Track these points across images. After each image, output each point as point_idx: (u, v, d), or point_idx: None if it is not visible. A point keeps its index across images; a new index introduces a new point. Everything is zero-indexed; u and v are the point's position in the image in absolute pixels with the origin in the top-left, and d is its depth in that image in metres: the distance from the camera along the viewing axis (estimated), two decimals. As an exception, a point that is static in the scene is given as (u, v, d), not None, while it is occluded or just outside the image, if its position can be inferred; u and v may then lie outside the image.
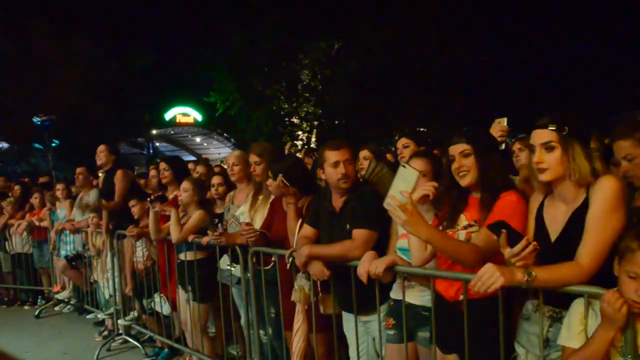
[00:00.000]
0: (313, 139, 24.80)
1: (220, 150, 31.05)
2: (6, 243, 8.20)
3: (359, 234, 3.01)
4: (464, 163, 2.53)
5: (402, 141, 3.85)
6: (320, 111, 24.75)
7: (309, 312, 3.37)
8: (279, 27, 21.82)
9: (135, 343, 5.74)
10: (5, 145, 23.72)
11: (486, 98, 21.89)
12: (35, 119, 9.40)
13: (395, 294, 3.02)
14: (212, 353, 4.61)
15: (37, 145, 12.12)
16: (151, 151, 28.49)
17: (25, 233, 7.90)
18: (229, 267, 4.15)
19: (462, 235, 2.52)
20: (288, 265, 3.33)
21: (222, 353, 4.68)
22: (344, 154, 3.16)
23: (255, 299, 3.84)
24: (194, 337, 4.64)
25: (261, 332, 3.98)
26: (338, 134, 21.51)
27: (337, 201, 3.23)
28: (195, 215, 4.43)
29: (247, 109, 23.20)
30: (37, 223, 7.76)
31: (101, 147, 6.10)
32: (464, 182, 2.54)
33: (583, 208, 2.17)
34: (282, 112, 24.46)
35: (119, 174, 5.83)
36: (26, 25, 20.33)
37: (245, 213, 3.95)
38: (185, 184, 4.52)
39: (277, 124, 24.01)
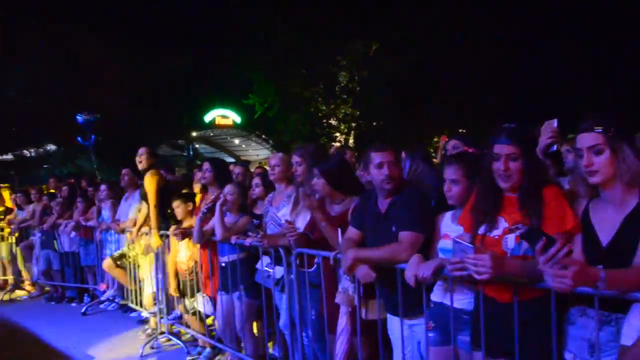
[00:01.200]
0: (351, 141, 24.79)
1: (258, 152, 31.29)
2: (55, 242, 8.45)
3: (406, 236, 2.98)
4: (510, 166, 2.47)
5: (452, 142, 3.79)
6: (357, 112, 24.74)
7: (352, 315, 3.35)
8: (317, 30, 21.91)
9: (178, 342, 5.82)
10: (52, 147, 24.51)
11: (527, 98, 21.38)
12: (79, 117, 9.72)
13: (434, 296, 2.97)
14: (253, 353, 4.63)
15: (78, 139, 12.59)
16: (191, 153, 28.94)
17: (72, 232, 8.12)
18: (266, 269, 4.16)
19: (511, 240, 2.45)
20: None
21: (263, 354, 4.70)
22: (388, 155, 3.15)
23: (298, 301, 3.84)
24: (236, 337, 4.68)
25: (303, 334, 3.98)
26: (376, 136, 21.45)
27: (383, 203, 3.20)
28: (242, 221, 4.48)
29: (285, 111, 23.37)
30: (83, 223, 7.98)
31: (142, 150, 6.16)
32: (507, 184, 2.49)
33: (638, 212, 2.12)
34: (319, 114, 24.55)
35: (146, 179, 5.87)
36: (71, 32, 20.95)
37: (287, 215, 3.96)
38: (230, 188, 4.56)
39: (315, 125, 24.11)
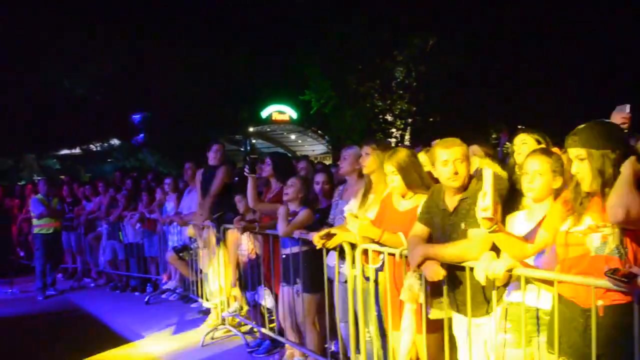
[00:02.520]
0: (407, 137, 24.52)
1: (314, 148, 31.47)
2: (120, 233, 8.75)
3: (476, 234, 2.90)
4: (579, 169, 2.40)
5: (521, 137, 3.66)
6: (414, 108, 24.43)
7: (417, 313, 3.30)
8: (373, 24, 21.77)
9: (238, 333, 5.91)
10: (116, 142, 25.46)
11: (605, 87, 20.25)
12: (134, 117, 10.11)
13: (512, 296, 2.88)
14: (314, 347, 4.64)
15: (138, 139, 13.12)
16: (248, 148, 29.40)
17: (137, 224, 8.40)
18: (335, 265, 4.14)
19: (596, 239, 2.35)
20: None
21: (323, 348, 4.71)
22: (455, 152, 3.08)
23: (362, 297, 3.81)
24: (297, 330, 4.70)
25: (360, 329, 3.96)
26: (432, 132, 21.14)
27: (451, 200, 3.13)
28: (304, 213, 4.48)
29: (341, 107, 23.33)
30: (147, 215, 8.23)
31: (216, 146, 6.32)
32: (583, 187, 2.42)
33: None
34: (375, 110, 24.38)
35: (223, 170, 6.00)
36: (136, 31, 21.68)
37: (354, 209, 3.93)
38: (293, 181, 4.58)
39: (371, 121, 23.96)
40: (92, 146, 25.53)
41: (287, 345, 5.20)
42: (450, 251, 2.98)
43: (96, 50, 21.43)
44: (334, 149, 26.99)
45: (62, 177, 16.26)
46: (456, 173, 3.05)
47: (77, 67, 21.48)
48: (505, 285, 2.88)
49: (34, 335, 6.77)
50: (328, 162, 19.75)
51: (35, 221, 8.80)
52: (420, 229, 3.25)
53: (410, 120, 24.90)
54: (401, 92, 24.40)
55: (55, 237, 9.00)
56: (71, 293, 8.97)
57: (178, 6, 23.04)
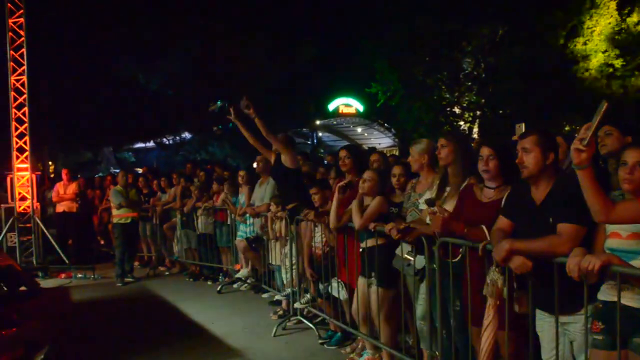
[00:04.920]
0: (475, 129, 23.97)
1: (380, 141, 31.38)
2: (193, 223, 9.02)
3: (566, 228, 2.78)
4: None
5: (605, 128, 3.48)
6: (483, 100, 23.84)
7: (500, 308, 3.20)
8: (441, 14, 21.36)
9: (309, 324, 5.95)
10: (188, 135, 26.27)
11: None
12: (213, 105, 10.32)
13: (605, 295, 2.73)
14: (387, 341, 4.60)
15: (219, 127, 13.44)
16: (315, 141, 29.66)
17: (209, 215, 8.62)
18: (407, 257, 4.09)
19: None
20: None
21: (396, 342, 4.66)
22: (525, 142, 2.99)
23: (439, 292, 3.74)
24: (370, 323, 4.68)
25: (436, 325, 3.89)
26: (502, 124, 20.55)
27: (538, 193, 3.00)
28: (376, 201, 4.44)
29: (407, 99, 23.07)
30: (219, 206, 8.42)
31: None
32: None
33: None
34: (443, 102, 23.97)
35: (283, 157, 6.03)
36: (208, 26, 22.24)
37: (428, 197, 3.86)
38: (369, 174, 4.54)
39: (438, 114, 23.58)
40: (164, 139, 26.47)
41: (358, 338, 5.20)
42: (538, 245, 2.86)
43: (169, 46, 22.14)
44: (400, 141, 26.77)
45: (138, 169, 16.96)
46: (520, 163, 2.97)
47: (151, 63, 22.30)
48: (598, 282, 2.73)
49: (113, 319, 7.08)
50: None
51: (114, 211, 9.19)
52: (504, 223, 3.15)
53: (478, 112, 24.32)
54: (469, 83, 23.87)
55: (133, 226, 9.37)
56: (147, 281, 9.31)
57: (248, 2, 23.45)
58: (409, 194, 4.37)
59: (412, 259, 4.04)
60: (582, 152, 2.46)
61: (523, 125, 5.21)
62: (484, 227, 3.24)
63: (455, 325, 3.69)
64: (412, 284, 4.24)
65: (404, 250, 4.12)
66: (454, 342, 3.79)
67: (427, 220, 3.58)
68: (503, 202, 3.26)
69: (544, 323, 3.11)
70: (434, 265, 3.73)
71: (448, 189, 3.81)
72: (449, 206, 3.59)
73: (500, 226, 3.15)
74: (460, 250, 3.51)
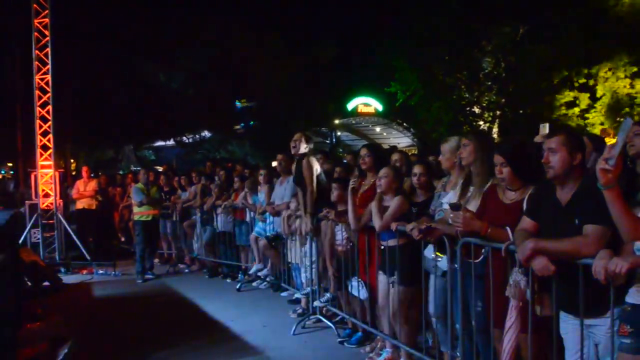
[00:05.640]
0: (495, 130, 23.74)
1: (399, 140, 31.28)
2: (213, 221, 9.09)
3: (592, 230, 2.74)
4: None
5: (634, 129, 3.43)
6: (503, 100, 23.60)
7: (522, 310, 3.17)
8: (461, 13, 21.19)
9: (329, 323, 5.95)
10: (207, 134, 26.46)
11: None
12: (238, 103, 10.44)
13: (634, 298, 2.69)
14: (407, 340, 4.59)
15: (241, 126, 13.58)
16: (334, 140, 29.69)
17: (228, 213, 8.68)
18: (433, 258, 4.07)
19: None
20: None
21: (416, 341, 4.64)
22: (552, 142, 2.95)
23: (461, 292, 3.72)
24: (391, 323, 4.67)
25: (457, 326, 3.88)
26: (523, 124, 20.33)
27: (564, 193, 2.97)
28: (396, 202, 4.43)
29: (427, 99, 22.94)
30: (238, 204, 8.47)
31: (296, 136, 6.22)
32: None
33: None
34: (462, 102, 23.77)
35: (304, 163, 6.02)
36: (225, 26, 22.38)
37: (453, 201, 3.83)
38: (384, 171, 4.53)
39: (458, 113, 23.39)
40: (184, 138, 26.69)
41: (377, 338, 5.19)
42: (563, 246, 2.83)
43: (189, 45, 22.32)
44: (419, 141, 26.65)
45: (158, 167, 17.14)
46: (546, 163, 2.94)
47: (172, 62, 22.51)
48: (625, 284, 2.70)
49: (133, 315, 7.16)
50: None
51: (135, 208, 9.29)
52: (528, 223, 3.12)
53: (498, 112, 24.09)
54: (489, 83, 23.64)
55: (154, 224, 9.47)
56: (167, 277, 9.40)
57: (267, 1, 23.57)
58: (438, 193, 4.35)
59: (440, 258, 4.01)
60: (609, 172, 2.43)
61: (547, 125, 5.16)
62: (508, 228, 3.21)
63: (476, 327, 3.67)
64: (434, 284, 4.22)
65: (431, 251, 4.10)
66: (475, 344, 3.77)
67: (449, 221, 3.55)
68: (525, 203, 3.24)
69: (568, 325, 3.07)
70: (456, 265, 3.71)
71: (472, 189, 3.78)
72: (472, 206, 3.57)
73: (524, 226, 3.12)
74: (482, 250, 3.49)
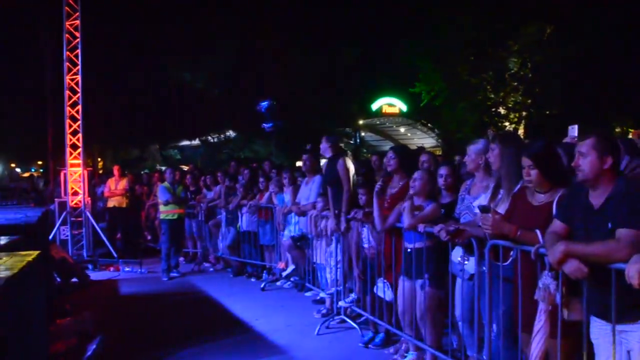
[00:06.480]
0: (521, 131, 23.47)
1: (423, 141, 31.09)
2: (238, 221, 9.15)
3: (625, 234, 2.70)
4: None
5: None
6: (529, 101, 23.34)
7: (552, 314, 3.13)
8: (487, 13, 21.00)
9: (353, 324, 5.95)
10: (232, 133, 26.63)
11: None
12: (261, 104, 10.54)
13: (667, 303, 2.65)
14: (433, 343, 4.57)
15: (266, 125, 13.67)
16: (358, 140, 29.65)
17: (254, 213, 8.73)
18: (459, 261, 4.05)
19: None
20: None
21: (441, 344, 4.62)
22: (582, 145, 2.92)
23: (489, 295, 3.69)
24: (415, 325, 4.65)
25: (485, 329, 3.84)
26: (550, 125, 20.07)
27: (596, 197, 2.93)
28: (431, 209, 4.43)
29: (452, 100, 22.80)
30: (263, 204, 8.51)
31: (323, 140, 6.27)
32: None
33: None
34: (488, 103, 23.57)
35: (340, 163, 6.04)
36: (252, 26, 22.53)
37: (483, 204, 3.81)
38: (419, 173, 4.52)
39: (483, 114, 23.20)
40: (209, 137, 26.90)
41: (402, 339, 5.17)
42: (596, 250, 2.79)
43: (213, 45, 22.50)
44: (444, 142, 26.47)
45: (183, 166, 17.32)
46: (577, 165, 2.91)
47: (196, 61, 22.71)
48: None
49: (159, 312, 7.27)
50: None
51: (161, 207, 9.40)
52: (559, 226, 3.08)
53: (524, 113, 23.82)
54: (515, 83, 23.40)
55: (179, 222, 9.58)
56: (192, 276, 9.48)
57: (291, 2, 23.62)
58: (462, 196, 4.33)
59: (466, 262, 3.99)
60: None
61: (576, 126, 5.07)
62: (538, 231, 3.18)
63: (503, 330, 3.64)
64: (461, 287, 4.20)
65: (458, 254, 4.08)
66: (503, 348, 3.73)
67: (479, 223, 3.53)
68: (555, 205, 3.20)
69: (599, 331, 3.02)
70: (484, 268, 3.68)
71: (502, 192, 3.76)
72: (502, 209, 3.54)
73: (554, 229, 3.08)
74: (511, 253, 3.46)
